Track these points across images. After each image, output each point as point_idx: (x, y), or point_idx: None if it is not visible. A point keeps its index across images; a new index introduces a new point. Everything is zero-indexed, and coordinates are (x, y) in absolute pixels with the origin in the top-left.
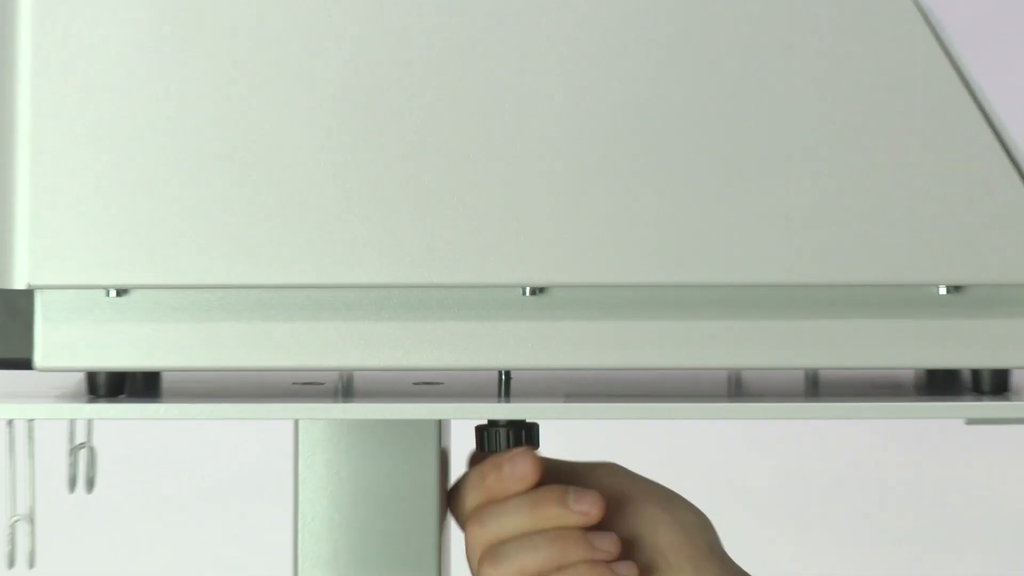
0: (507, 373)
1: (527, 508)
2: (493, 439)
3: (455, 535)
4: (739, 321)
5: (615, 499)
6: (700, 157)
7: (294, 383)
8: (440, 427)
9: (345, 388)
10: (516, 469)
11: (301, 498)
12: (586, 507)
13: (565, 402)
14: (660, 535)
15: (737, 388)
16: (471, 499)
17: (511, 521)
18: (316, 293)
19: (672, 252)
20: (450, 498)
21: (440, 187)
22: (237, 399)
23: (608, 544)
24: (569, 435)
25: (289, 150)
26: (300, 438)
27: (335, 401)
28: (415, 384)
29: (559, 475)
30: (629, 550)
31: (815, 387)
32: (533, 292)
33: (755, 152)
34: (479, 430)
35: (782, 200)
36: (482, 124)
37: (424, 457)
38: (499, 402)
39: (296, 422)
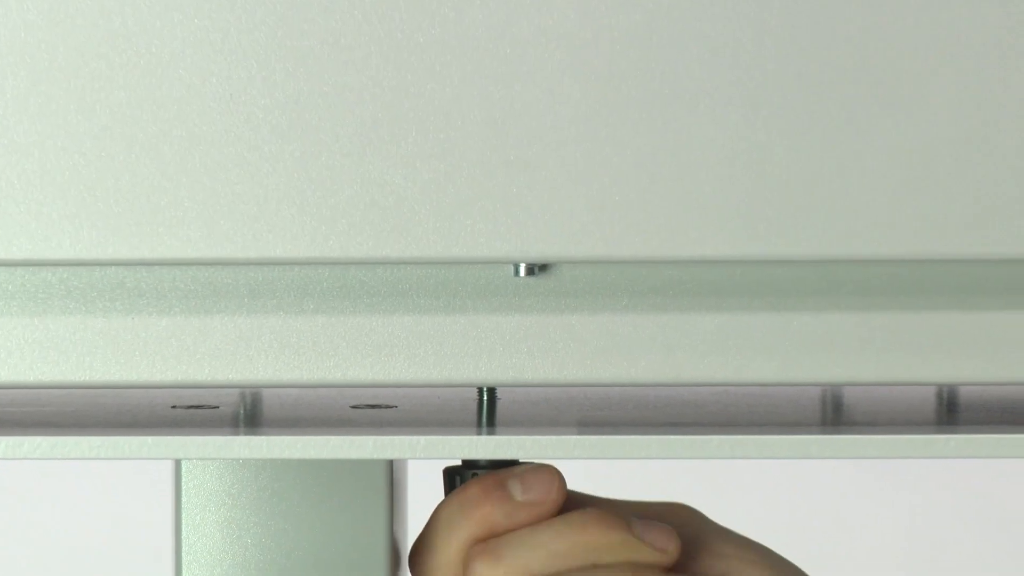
0: (491, 391)
1: (575, 530)
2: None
3: None
4: (840, 315)
5: (689, 543)
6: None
7: (174, 406)
8: (392, 471)
9: (249, 413)
10: (541, 484)
11: (185, 575)
12: (661, 541)
13: (579, 433)
14: None
15: (836, 412)
16: (456, 538)
17: (550, 546)
18: (207, 272)
19: (734, 213)
20: (413, 559)
21: (395, 124)
22: (88, 430)
23: None
24: (573, 466)
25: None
26: (183, 488)
27: (235, 433)
28: (354, 408)
29: None
30: None
31: (951, 411)
32: (530, 271)
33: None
34: (449, 474)
35: (886, 153)
36: (455, 40)
37: (369, 516)
38: (479, 433)
39: (176, 464)
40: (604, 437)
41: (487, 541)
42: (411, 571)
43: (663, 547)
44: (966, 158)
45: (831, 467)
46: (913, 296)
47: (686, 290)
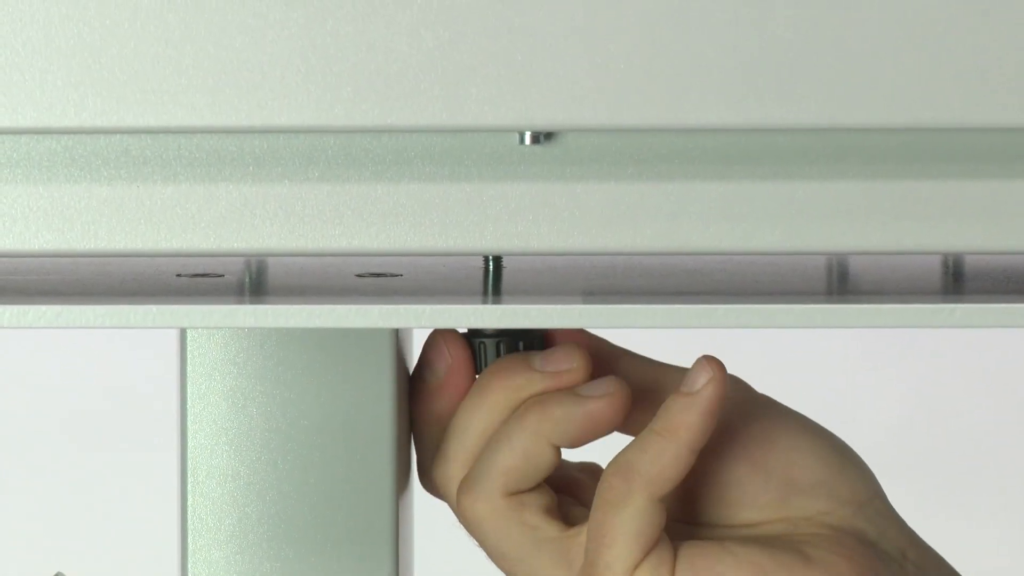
0: (497, 259)
1: (477, 399)
2: (479, 358)
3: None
4: (846, 183)
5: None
6: None
7: (179, 275)
8: (398, 341)
9: (255, 282)
10: (562, 354)
11: (191, 445)
12: (563, 362)
13: (584, 303)
14: (804, 466)
15: (842, 281)
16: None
17: (470, 427)
18: (212, 140)
19: (740, 80)
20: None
21: None
22: (92, 298)
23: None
24: None
25: None
26: (188, 357)
27: (240, 302)
28: (359, 276)
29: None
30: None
31: (957, 280)
32: (535, 139)
33: None
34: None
35: (893, 17)
36: None
37: (374, 386)
38: (485, 302)
39: (181, 333)
40: (609, 306)
41: (464, 480)
42: (421, 462)
43: (567, 367)
44: (973, 23)
45: (836, 337)
46: (920, 164)
47: (692, 158)
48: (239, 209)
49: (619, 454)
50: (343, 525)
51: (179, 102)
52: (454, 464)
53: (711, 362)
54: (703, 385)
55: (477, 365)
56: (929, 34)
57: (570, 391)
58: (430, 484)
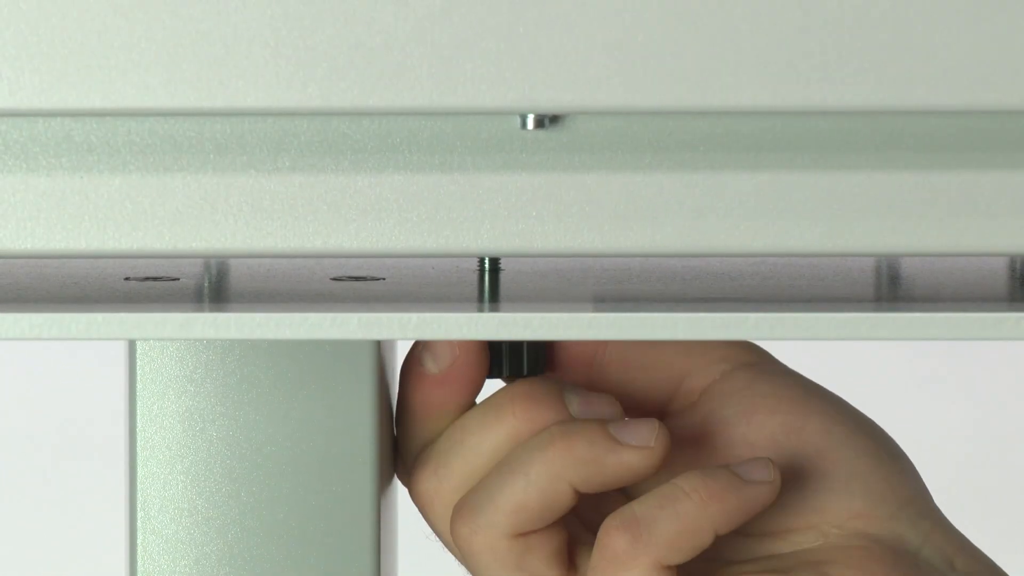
0: (494, 261)
1: (493, 420)
2: (495, 354)
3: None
4: (898, 174)
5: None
6: None
7: (127, 278)
8: (380, 355)
9: (214, 287)
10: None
11: (141, 474)
12: (604, 410)
13: (595, 311)
14: (837, 457)
15: (893, 286)
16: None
17: (479, 448)
18: (167, 124)
19: (774, 56)
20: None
21: None
22: (28, 306)
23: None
24: None
25: None
26: (138, 373)
27: (198, 309)
28: (335, 280)
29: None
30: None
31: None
32: (539, 123)
33: None
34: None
35: None
36: None
37: (353, 406)
38: (481, 310)
39: (130, 345)
40: (623, 315)
41: (462, 506)
42: (400, 460)
43: (608, 413)
44: None
45: (885, 350)
46: (982, 152)
47: (719, 145)
48: (197, 203)
49: (628, 506)
50: (315, 568)
51: (128, 79)
52: (449, 482)
53: (774, 468)
54: (759, 481)
55: (492, 361)
56: (993, 10)
57: (602, 428)
58: (411, 490)
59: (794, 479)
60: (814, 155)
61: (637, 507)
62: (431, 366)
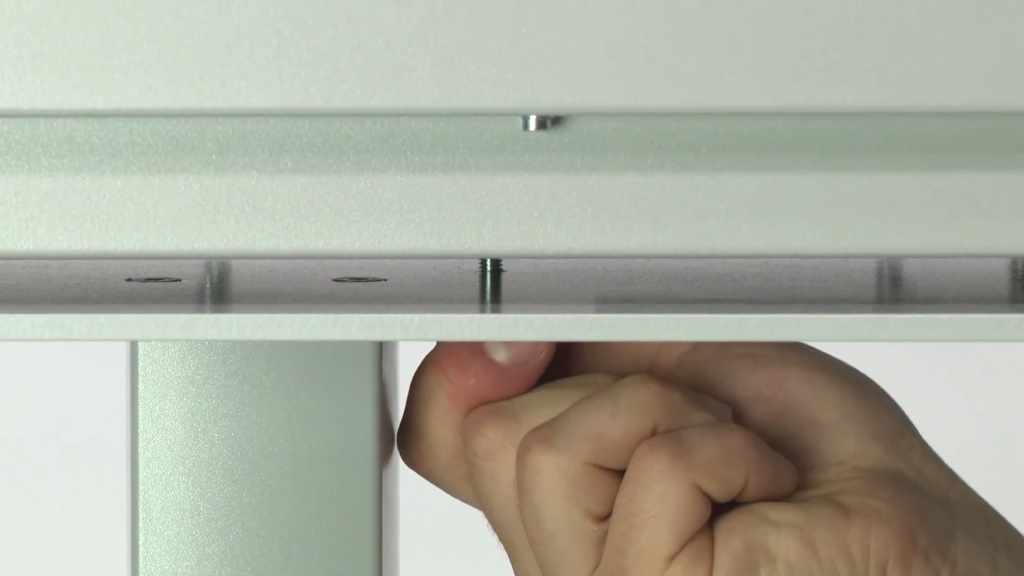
0: (495, 262)
1: (627, 403)
2: None
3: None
4: (900, 175)
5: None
6: None
7: (129, 279)
8: (381, 356)
9: (216, 288)
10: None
11: (142, 476)
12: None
13: (597, 312)
14: (823, 403)
15: (894, 287)
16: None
17: (607, 432)
18: (169, 125)
19: (777, 57)
20: (403, 443)
21: None
22: (30, 307)
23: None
24: None
25: None
26: (139, 374)
27: (199, 310)
28: (337, 281)
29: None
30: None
31: None
32: (541, 124)
33: None
34: None
35: None
36: None
37: (354, 407)
38: (483, 311)
39: (132, 346)
40: (625, 316)
41: (540, 429)
42: (403, 456)
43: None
44: None
45: (888, 352)
46: (984, 154)
47: (721, 146)
48: (199, 204)
49: (671, 432)
50: (317, 569)
51: (130, 80)
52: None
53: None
54: (790, 470)
55: None
56: (994, 10)
57: (707, 416)
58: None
59: (786, 430)
60: (816, 156)
61: (679, 432)
62: (503, 357)
